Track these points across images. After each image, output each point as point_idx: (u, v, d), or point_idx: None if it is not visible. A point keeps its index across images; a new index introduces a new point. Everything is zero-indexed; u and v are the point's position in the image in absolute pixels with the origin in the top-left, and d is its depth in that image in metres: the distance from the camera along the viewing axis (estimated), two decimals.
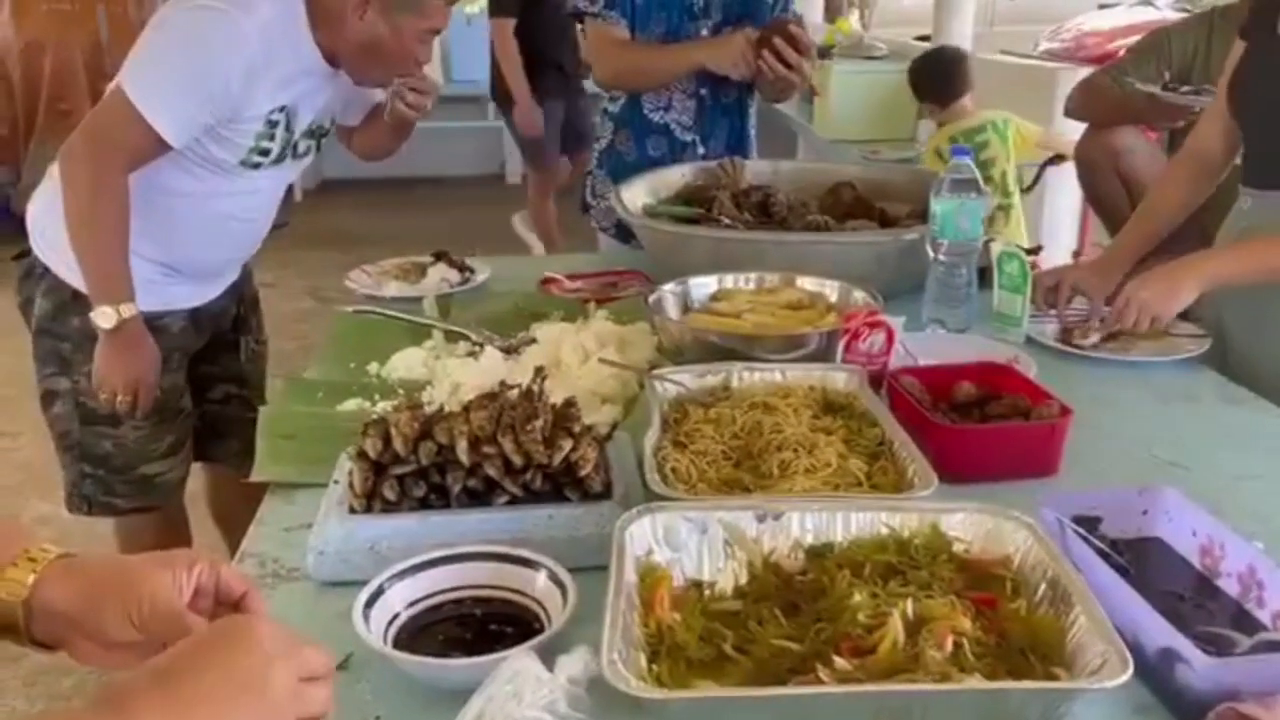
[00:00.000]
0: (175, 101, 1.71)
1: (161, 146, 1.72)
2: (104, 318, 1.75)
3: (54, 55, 3.72)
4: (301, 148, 1.92)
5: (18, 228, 2.04)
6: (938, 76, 3.66)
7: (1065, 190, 3.75)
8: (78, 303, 1.83)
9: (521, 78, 4.78)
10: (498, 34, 4.78)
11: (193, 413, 2.05)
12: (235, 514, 1.94)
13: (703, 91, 2.38)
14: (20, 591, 0.79)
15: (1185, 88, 2.57)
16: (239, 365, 2.16)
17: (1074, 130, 3.10)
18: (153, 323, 1.85)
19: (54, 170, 1.83)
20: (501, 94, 4.95)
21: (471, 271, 2.17)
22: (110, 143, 1.72)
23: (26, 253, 1.93)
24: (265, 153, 1.84)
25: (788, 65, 2.14)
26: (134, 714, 0.64)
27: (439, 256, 2.21)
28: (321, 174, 7.29)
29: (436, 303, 1.98)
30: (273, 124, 1.81)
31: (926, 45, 5.05)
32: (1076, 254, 3.81)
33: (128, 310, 1.76)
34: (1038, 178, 3.68)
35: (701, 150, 2.40)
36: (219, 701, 0.66)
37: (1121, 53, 3.21)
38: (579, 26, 3.81)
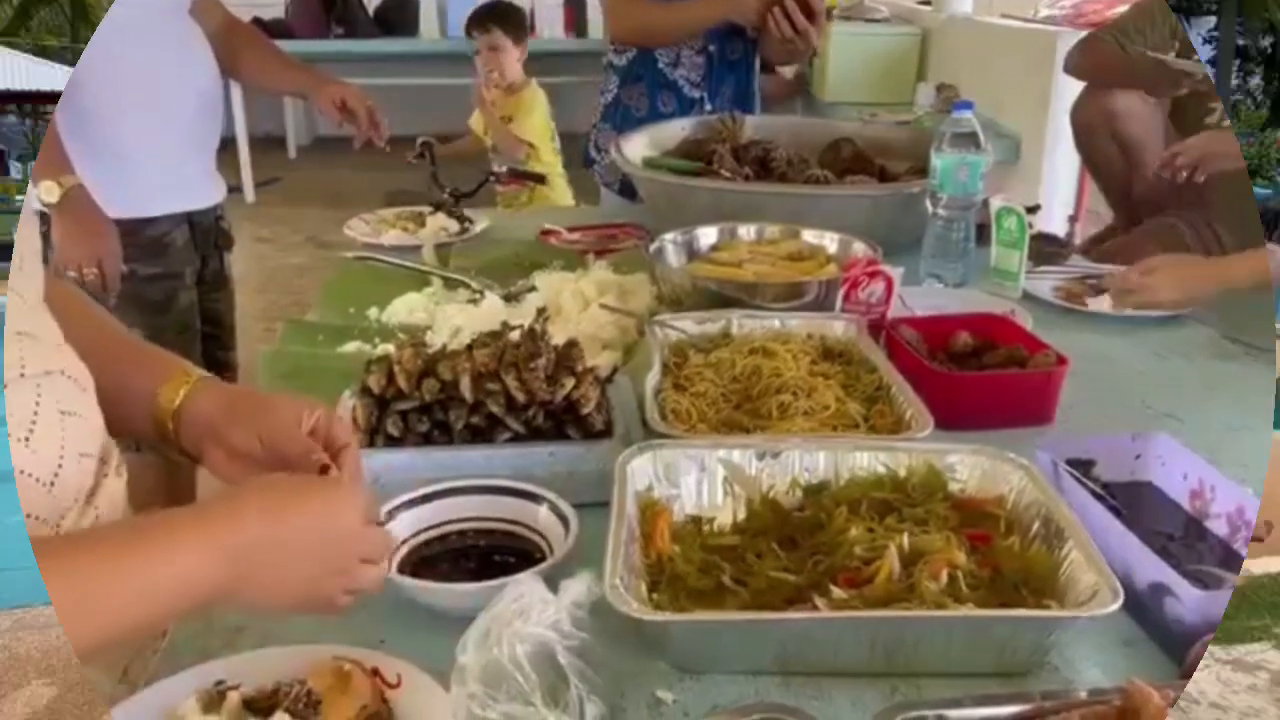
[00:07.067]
0: None
1: None
2: (47, 191, 1.76)
3: None
4: None
5: None
6: None
7: (1064, 152, 3.74)
8: None
9: None
10: None
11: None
12: None
13: (711, 48, 2.37)
14: (170, 405, 0.91)
15: (1196, 55, 2.53)
16: (212, 302, 2.16)
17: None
18: (161, 239, 1.90)
19: None
20: None
21: (470, 221, 2.17)
22: None
23: None
24: None
25: (795, 28, 2.15)
26: (240, 507, 0.76)
27: (438, 206, 2.20)
28: (315, 130, 7.23)
29: (435, 252, 1.98)
30: None
31: (927, 9, 5.03)
32: (1073, 218, 3.81)
33: (69, 180, 1.77)
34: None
35: (709, 107, 2.39)
36: (303, 538, 0.77)
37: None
38: None
